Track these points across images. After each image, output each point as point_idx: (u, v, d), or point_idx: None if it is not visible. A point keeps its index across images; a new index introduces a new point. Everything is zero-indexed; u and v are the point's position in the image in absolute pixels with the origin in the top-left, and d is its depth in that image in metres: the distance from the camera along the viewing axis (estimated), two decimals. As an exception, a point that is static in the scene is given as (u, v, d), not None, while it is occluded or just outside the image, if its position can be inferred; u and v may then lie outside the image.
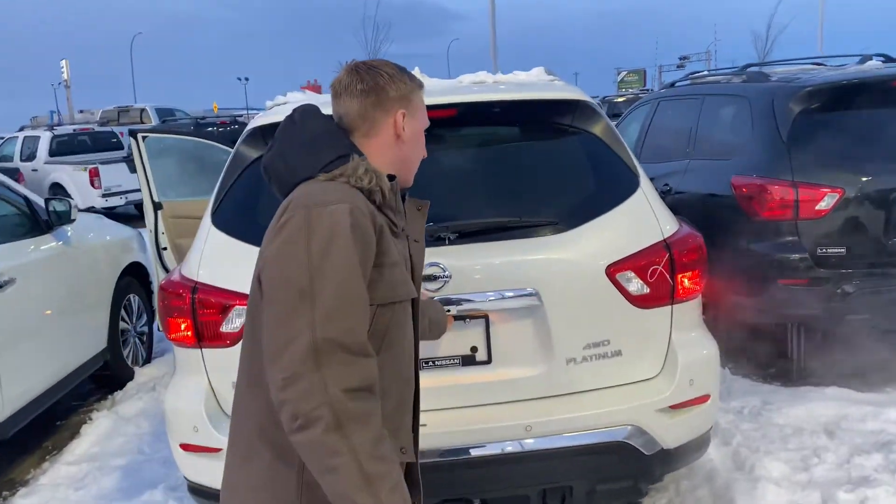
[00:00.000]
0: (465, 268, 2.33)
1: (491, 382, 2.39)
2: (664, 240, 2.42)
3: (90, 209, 12.75)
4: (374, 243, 1.31)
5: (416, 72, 3.18)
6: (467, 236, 2.36)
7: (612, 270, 2.35)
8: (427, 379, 2.32)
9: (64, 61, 44.45)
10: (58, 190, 13.42)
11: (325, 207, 1.26)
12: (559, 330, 2.35)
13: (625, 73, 57.46)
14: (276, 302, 1.24)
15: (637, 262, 2.38)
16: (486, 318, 2.37)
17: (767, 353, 4.35)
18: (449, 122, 2.54)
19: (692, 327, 2.52)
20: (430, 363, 2.38)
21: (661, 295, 2.40)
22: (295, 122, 1.46)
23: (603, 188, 2.53)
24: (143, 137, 4.91)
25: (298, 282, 1.22)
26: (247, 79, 60.84)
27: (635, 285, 2.37)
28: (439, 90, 2.63)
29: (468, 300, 2.32)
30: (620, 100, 25.08)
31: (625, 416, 2.34)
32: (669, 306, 2.43)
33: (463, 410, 2.37)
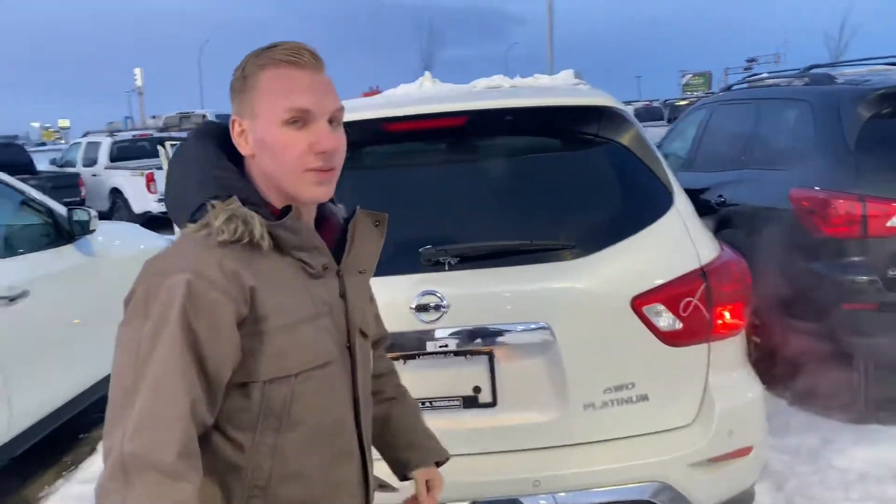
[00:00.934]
0: (466, 297, 2.07)
1: (495, 428, 2.12)
2: (701, 268, 2.10)
3: (146, 214, 13.01)
4: (233, 313, 1.06)
5: (426, 77, 2.95)
6: (470, 261, 2.09)
7: (639, 303, 2.05)
8: None
9: (137, 69, 46.10)
10: (117, 195, 13.72)
11: (165, 279, 1.04)
12: (575, 370, 2.07)
13: (689, 75, 56.03)
14: (110, 399, 1.03)
15: (668, 293, 2.07)
16: (490, 354, 2.10)
17: (830, 384, 3.93)
18: (456, 132, 2.28)
19: (733, 367, 2.19)
20: (427, 404, 2.13)
21: (695, 331, 2.09)
22: (180, 149, 1.23)
23: (630, 206, 2.22)
24: (173, 145, 4.84)
25: (125, 378, 1.02)
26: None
27: (666, 320, 2.06)
28: (449, 96, 2.38)
29: (469, 333, 2.06)
30: (683, 103, 24.31)
31: (651, 470, 2.03)
32: (706, 344, 2.11)
33: (462, 459, 2.10)
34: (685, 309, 2.06)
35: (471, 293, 2.07)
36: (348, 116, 2.34)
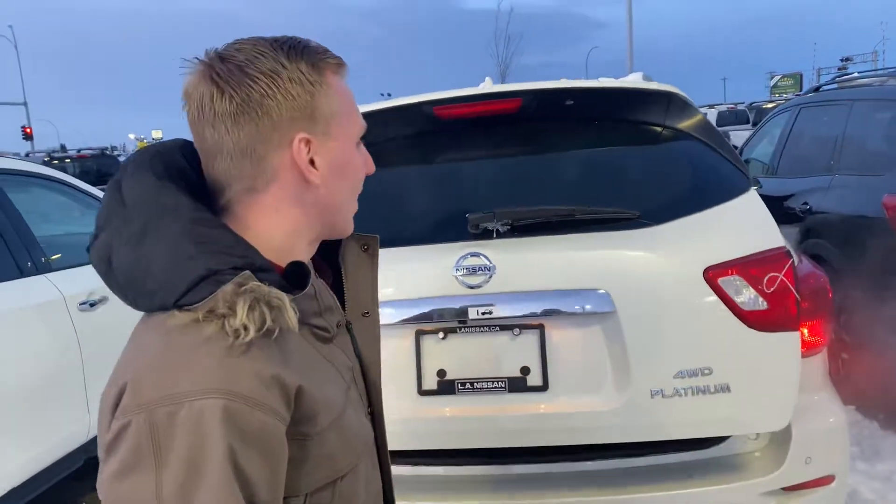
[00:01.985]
0: (516, 261, 1.90)
1: (545, 416, 1.91)
2: (786, 248, 1.91)
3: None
4: (285, 433, 0.81)
5: (486, 82, 2.85)
6: (522, 230, 1.94)
7: (713, 274, 1.83)
8: (460, 407, 1.95)
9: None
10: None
11: (179, 409, 0.74)
12: (639, 348, 1.85)
13: (778, 77, 53.84)
14: None
15: (750, 266, 1.84)
16: (541, 328, 1.92)
17: (927, 406, 3.65)
18: (508, 119, 2.18)
19: (812, 388, 2.02)
20: (468, 386, 1.95)
21: (784, 314, 1.82)
22: (121, 190, 0.86)
23: (702, 183, 2.06)
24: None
25: None
26: (389, 94, 62.87)
27: (747, 297, 1.82)
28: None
29: (518, 300, 1.87)
30: (770, 105, 23.33)
31: (717, 497, 1.89)
32: (797, 333, 1.86)
33: (505, 455, 1.99)
34: (770, 285, 1.81)
35: (522, 257, 1.92)
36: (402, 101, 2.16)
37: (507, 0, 48.40)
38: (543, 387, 1.93)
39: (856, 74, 5.04)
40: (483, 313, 1.90)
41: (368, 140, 1.00)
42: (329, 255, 1.04)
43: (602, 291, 1.87)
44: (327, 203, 0.92)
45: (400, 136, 2.26)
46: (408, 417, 1.97)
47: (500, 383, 1.94)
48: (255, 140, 0.85)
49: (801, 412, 1.96)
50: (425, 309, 1.93)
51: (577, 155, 2.21)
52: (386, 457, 1.10)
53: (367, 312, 1.06)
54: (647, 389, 1.85)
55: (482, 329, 1.95)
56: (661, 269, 1.87)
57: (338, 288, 1.03)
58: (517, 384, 1.94)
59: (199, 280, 0.79)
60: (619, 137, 2.22)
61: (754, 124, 18.84)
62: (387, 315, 1.92)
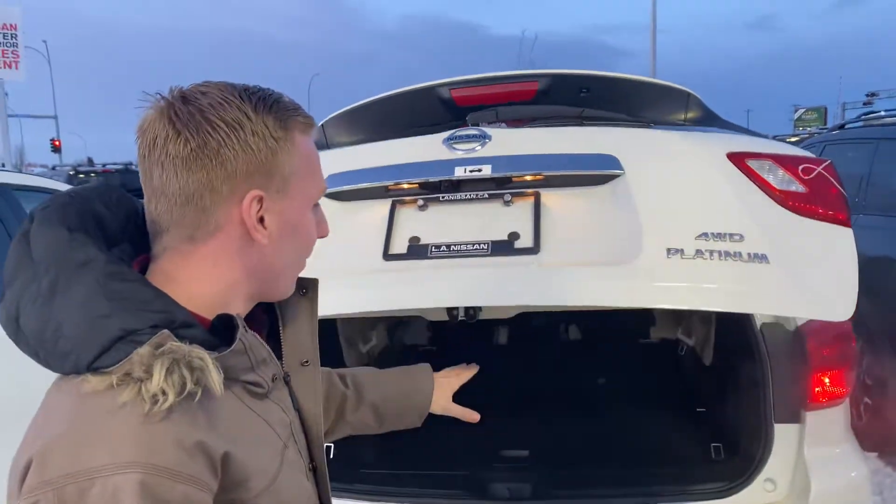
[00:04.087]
0: (515, 135, 1.77)
1: (535, 274, 1.58)
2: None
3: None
4: (210, 495, 0.73)
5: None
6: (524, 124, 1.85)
7: (739, 156, 1.65)
8: (434, 270, 1.64)
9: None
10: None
11: (92, 484, 0.67)
12: (653, 211, 1.60)
13: (803, 110, 53.47)
14: None
15: (779, 157, 1.65)
16: (536, 197, 1.67)
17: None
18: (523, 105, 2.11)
19: (834, 441, 1.94)
20: (442, 248, 1.67)
21: (826, 202, 1.59)
22: (29, 243, 0.80)
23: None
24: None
25: None
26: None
27: (780, 178, 1.61)
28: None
29: (512, 164, 1.67)
30: (794, 140, 23.14)
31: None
32: (848, 229, 1.61)
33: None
34: (807, 174, 1.61)
35: (523, 133, 1.79)
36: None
37: (531, 28, 48.65)
38: (534, 249, 1.63)
39: (882, 112, 4.97)
40: (471, 171, 1.68)
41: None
42: (263, 300, 0.95)
43: (610, 154, 1.69)
44: (271, 263, 0.87)
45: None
46: (371, 279, 1.74)
47: (482, 246, 1.65)
48: (204, 188, 0.80)
49: (821, 465, 1.88)
50: (405, 171, 1.75)
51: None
52: None
53: (307, 361, 0.98)
54: (662, 248, 1.53)
55: (468, 198, 1.73)
56: (679, 147, 1.71)
57: (274, 335, 0.96)
58: (502, 247, 1.64)
59: (113, 341, 0.72)
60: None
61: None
62: (361, 179, 1.77)
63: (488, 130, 1.75)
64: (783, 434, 1.90)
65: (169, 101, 0.81)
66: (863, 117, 5.13)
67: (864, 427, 3.60)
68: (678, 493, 1.92)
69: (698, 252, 1.50)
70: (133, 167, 19.78)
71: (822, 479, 1.86)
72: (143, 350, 0.71)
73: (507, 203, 1.69)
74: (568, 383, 2.88)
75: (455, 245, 1.65)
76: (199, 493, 0.71)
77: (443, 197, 1.74)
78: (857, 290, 1.53)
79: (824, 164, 1.65)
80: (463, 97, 2.10)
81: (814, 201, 1.59)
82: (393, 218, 1.78)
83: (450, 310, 1.77)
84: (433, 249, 1.67)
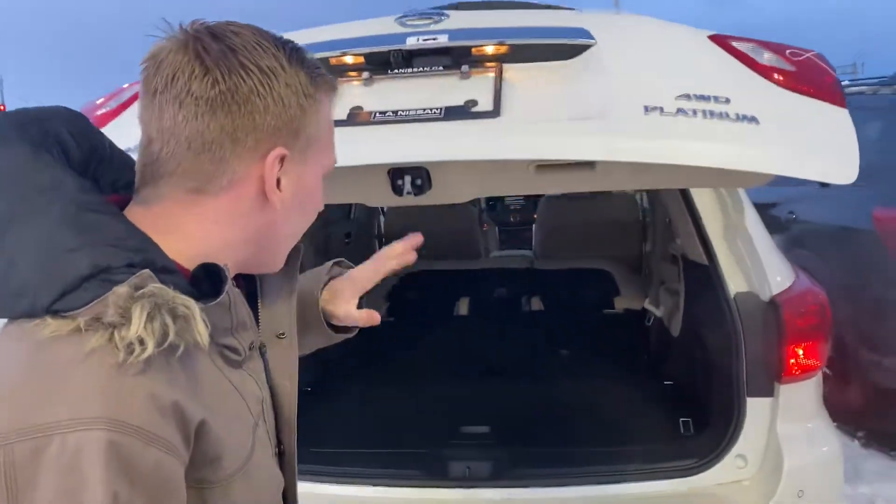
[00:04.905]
0: (468, 14, 1.66)
1: (495, 134, 1.41)
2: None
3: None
4: (182, 476, 0.64)
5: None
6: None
7: (723, 38, 1.54)
8: (378, 135, 1.46)
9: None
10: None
11: (49, 441, 0.57)
12: (628, 77, 1.47)
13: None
14: None
15: (766, 42, 1.55)
16: (498, 70, 1.51)
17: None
18: None
19: (807, 416, 1.88)
20: (388, 114, 1.48)
21: (821, 86, 1.46)
22: None
23: None
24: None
25: None
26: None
27: (765, 57, 1.50)
28: None
29: (472, 34, 1.53)
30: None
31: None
32: (844, 110, 1.44)
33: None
34: (795, 56, 1.49)
35: (480, 12, 1.70)
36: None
37: None
38: (494, 112, 1.45)
39: (846, 83, 4.95)
40: (425, 39, 1.54)
41: None
42: (249, 271, 0.85)
43: (579, 26, 1.57)
44: (276, 230, 0.78)
45: None
46: None
47: (434, 111, 1.46)
48: (225, 137, 0.70)
49: (793, 441, 1.83)
50: (351, 44, 1.58)
51: None
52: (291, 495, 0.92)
53: (283, 334, 0.89)
54: (638, 105, 1.38)
55: (420, 70, 1.56)
56: (658, 30, 1.62)
57: (251, 305, 0.84)
58: (457, 111, 1.45)
59: (80, 280, 0.62)
60: None
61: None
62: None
63: (446, 11, 1.62)
64: (755, 408, 1.83)
65: (193, 34, 0.70)
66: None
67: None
68: (645, 472, 1.85)
69: (680, 110, 1.35)
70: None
71: (795, 455, 1.80)
72: (121, 290, 0.62)
73: (464, 76, 1.53)
74: (530, 356, 2.78)
75: (402, 111, 1.47)
76: (173, 462, 0.62)
77: (392, 71, 1.58)
78: (858, 157, 1.38)
79: (814, 52, 1.55)
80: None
81: (804, 81, 1.46)
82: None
83: (394, 184, 1.54)
84: (377, 115, 1.49)
